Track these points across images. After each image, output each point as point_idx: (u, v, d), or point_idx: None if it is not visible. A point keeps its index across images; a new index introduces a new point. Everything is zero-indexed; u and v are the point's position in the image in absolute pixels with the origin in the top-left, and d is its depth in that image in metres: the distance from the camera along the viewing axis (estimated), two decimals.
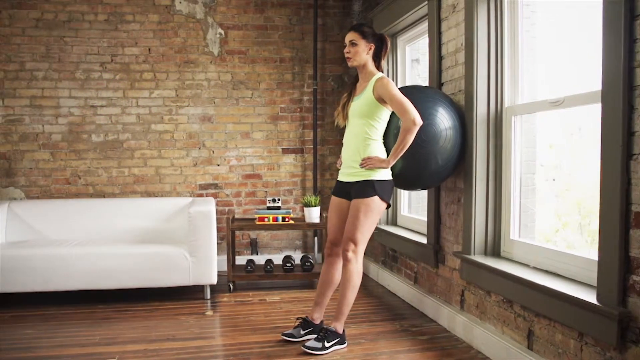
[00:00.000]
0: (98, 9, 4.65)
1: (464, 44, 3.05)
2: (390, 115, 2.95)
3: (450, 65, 3.26)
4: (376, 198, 2.88)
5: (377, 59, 3.02)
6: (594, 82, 2.15)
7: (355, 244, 2.90)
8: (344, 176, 3.03)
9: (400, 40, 4.31)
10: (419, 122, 2.77)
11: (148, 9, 4.73)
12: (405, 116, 2.77)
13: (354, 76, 3.13)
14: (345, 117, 3.05)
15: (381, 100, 2.88)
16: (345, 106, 3.05)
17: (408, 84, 4.25)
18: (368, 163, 2.88)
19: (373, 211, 2.89)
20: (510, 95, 2.90)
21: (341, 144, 3.13)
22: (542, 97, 2.74)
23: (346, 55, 3.00)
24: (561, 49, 2.77)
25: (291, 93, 5.03)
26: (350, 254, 2.90)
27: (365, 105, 2.92)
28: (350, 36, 2.97)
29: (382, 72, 3.03)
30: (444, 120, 2.94)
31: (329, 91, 5.11)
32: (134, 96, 4.76)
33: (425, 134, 2.88)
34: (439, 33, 3.36)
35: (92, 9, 4.64)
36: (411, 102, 2.81)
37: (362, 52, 2.96)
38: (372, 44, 2.97)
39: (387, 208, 2.99)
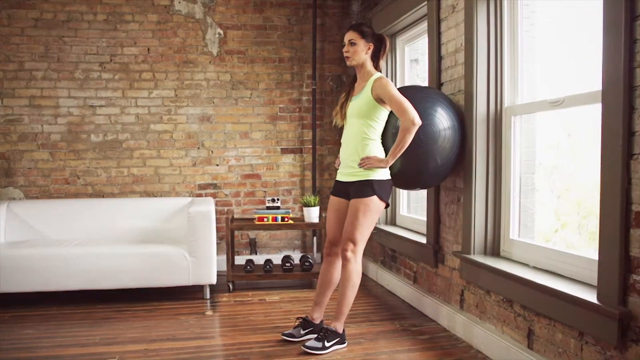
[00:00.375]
0: (97, 9, 4.64)
1: (463, 44, 3.05)
2: (389, 115, 2.95)
3: (449, 66, 3.26)
4: (375, 198, 2.88)
5: (375, 58, 3.02)
6: (594, 82, 2.16)
7: (355, 243, 2.90)
8: (343, 176, 3.03)
9: (400, 41, 4.32)
10: (418, 122, 2.77)
11: (147, 9, 4.72)
12: (405, 116, 2.77)
13: (353, 76, 3.13)
14: (344, 117, 3.05)
15: (380, 100, 2.89)
16: (344, 106, 3.05)
17: (407, 84, 4.25)
18: (367, 163, 2.88)
19: (372, 211, 2.89)
20: (510, 95, 2.91)
21: (340, 144, 3.13)
22: (541, 97, 2.75)
23: (345, 54, 2.99)
24: (561, 49, 2.77)
25: (290, 93, 5.03)
26: (349, 254, 2.90)
27: (363, 105, 2.92)
28: (349, 35, 2.97)
29: (381, 72, 3.04)
30: (442, 120, 2.95)
31: (328, 91, 5.11)
32: (133, 96, 4.76)
33: (424, 134, 2.88)
34: (439, 33, 3.37)
35: (91, 8, 4.63)
36: (410, 102, 2.81)
37: (360, 52, 2.96)
38: (371, 44, 2.97)
39: (386, 208, 3.00)
